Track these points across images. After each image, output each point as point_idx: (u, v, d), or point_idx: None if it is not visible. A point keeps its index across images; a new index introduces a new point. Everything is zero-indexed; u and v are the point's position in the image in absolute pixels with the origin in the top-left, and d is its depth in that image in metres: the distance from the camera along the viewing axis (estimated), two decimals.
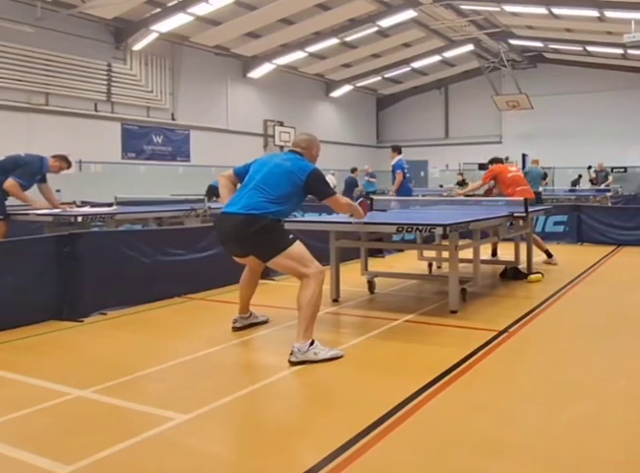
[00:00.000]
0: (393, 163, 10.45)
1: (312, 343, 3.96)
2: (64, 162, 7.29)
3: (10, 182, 6.78)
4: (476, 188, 8.96)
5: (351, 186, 16.24)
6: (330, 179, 20.57)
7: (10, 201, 7.11)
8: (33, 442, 2.80)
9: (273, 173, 4.22)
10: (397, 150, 10.50)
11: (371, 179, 18.20)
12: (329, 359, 3.95)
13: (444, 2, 17.05)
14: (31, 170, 6.93)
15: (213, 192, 10.73)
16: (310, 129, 23.33)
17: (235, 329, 4.79)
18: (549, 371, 3.84)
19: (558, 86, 23.83)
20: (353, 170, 17.17)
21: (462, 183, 21.01)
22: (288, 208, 4.25)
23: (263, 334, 4.78)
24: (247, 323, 4.87)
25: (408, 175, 10.42)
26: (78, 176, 14.24)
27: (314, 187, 4.30)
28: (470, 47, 21.67)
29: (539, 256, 8.25)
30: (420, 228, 4.96)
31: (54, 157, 7.21)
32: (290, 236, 4.17)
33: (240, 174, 4.51)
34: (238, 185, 4.52)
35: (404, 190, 10.20)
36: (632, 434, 2.88)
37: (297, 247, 4.12)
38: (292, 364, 3.88)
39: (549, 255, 8.28)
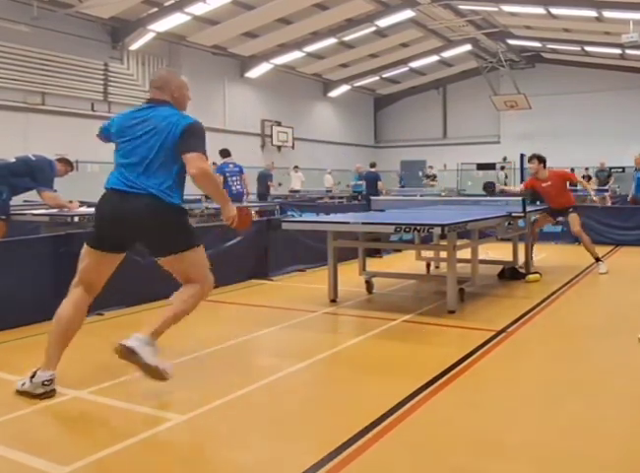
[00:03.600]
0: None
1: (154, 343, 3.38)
2: (68, 165, 7.39)
3: (49, 195, 6.80)
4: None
5: (374, 181, 15.81)
6: (327, 179, 20.59)
7: (12, 201, 7.09)
8: (30, 443, 2.79)
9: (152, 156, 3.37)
10: (223, 154, 10.94)
11: (358, 182, 17.95)
12: (158, 369, 3.29)
13: (442, 2, 17.05)
14: (50, 177, 6.95)
15: None
16: (308, 129, 23.46)
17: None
18: (548, 370, 3.83)
19: (556, 86, 23.85)
20: (373, 165, 16.84)
21: (432, 177, 22.05)
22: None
23: (260, 334, 4.76)
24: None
25: (233, 178, 10.67)
26: (75, 176, 14.15)
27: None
28: (468, 47, 21.68)
29: (537, 256, 8.24)
30: (419, 228, 4.96)
31: (59, 161, 7.24)
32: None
33: (106, 137, 3.65)
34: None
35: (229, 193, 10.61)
36: (631, 433, 2.87)
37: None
38: (124, 347, 3.21)
39: (598, 260, 7.70)
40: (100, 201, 3.49)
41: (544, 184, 7.70)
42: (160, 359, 3.27)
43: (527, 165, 7.91)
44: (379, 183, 15.50)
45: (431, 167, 23.00)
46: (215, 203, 6.17)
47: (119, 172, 3.42)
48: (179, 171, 3.42)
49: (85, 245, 3.49)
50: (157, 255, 3.57)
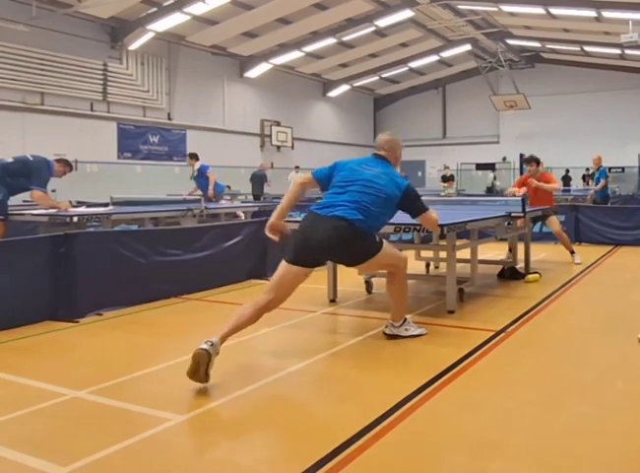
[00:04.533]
0: (197, 168, 10.99)
1: (405, 321, 4.49)
2: (67, 166, 7.37)
3: (38, 194, 6.82)
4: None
5: None
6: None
7: (10, 201, 7.09)
8: (29, 443, 2.78)
9: (366, 192, 4.14)
10: (195, 157, 11.16)
11: None
12: (416, 335, 4.48)
13: (442, 2, 17.07)
14: (45, 177, 6.95)
15: None
16: (307, 129, 23.44)
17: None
18: (547, 371, 3.83)
19: (556, 86, 23.89)
20: None
21: (447, 178, 21.19)
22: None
23: (261, 334, 4.76)
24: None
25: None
26: (74, 176, 14.18)
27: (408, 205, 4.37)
28: (467, 47, 21.71)
29: (537, 256, 8.24)
30: (418, 228, 4.95)
31: (58, 161, 7.24)
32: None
33: (322, 181, 4.41)
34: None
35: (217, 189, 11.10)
36: (630, 434, 2.87)
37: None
38: (387, 335, 4.47)
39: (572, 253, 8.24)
40: (308, 224, 4.22)
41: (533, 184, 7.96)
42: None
43: (525, 166, 8.21)
44: None
45: (447, 166, 21.90)
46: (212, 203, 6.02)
47: (334, 202, 4.12)
48: (381, 218, 4.28)
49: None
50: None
